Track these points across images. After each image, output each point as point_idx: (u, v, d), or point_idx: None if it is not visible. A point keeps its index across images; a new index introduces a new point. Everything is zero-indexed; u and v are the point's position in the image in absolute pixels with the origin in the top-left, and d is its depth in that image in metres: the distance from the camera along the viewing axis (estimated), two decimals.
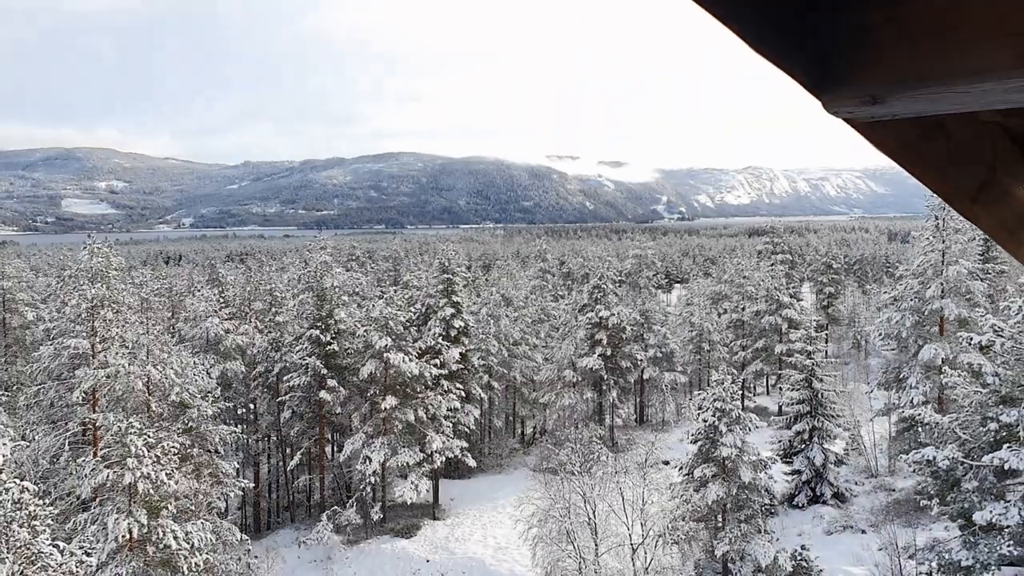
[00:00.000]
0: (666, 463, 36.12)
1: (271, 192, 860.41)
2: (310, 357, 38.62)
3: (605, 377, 48.69)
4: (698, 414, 28.94)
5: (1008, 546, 20.51)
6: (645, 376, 52.95)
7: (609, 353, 48.89)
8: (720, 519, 28.29)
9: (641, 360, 51.38)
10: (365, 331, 38.01)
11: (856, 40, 1.40)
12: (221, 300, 46.89)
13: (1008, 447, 20.65)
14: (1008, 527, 20.07)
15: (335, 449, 42.42)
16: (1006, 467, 20.32)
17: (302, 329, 41.08)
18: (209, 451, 30.74)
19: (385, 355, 36.53)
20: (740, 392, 54.23)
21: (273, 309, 44.38)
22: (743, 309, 61.65)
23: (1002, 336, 22.77)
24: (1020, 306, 22.01)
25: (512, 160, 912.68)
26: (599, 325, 49.14)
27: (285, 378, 39.47)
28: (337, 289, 44.30)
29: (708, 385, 31.01)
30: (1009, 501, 20.58)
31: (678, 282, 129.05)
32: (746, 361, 59.50)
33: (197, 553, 24.12)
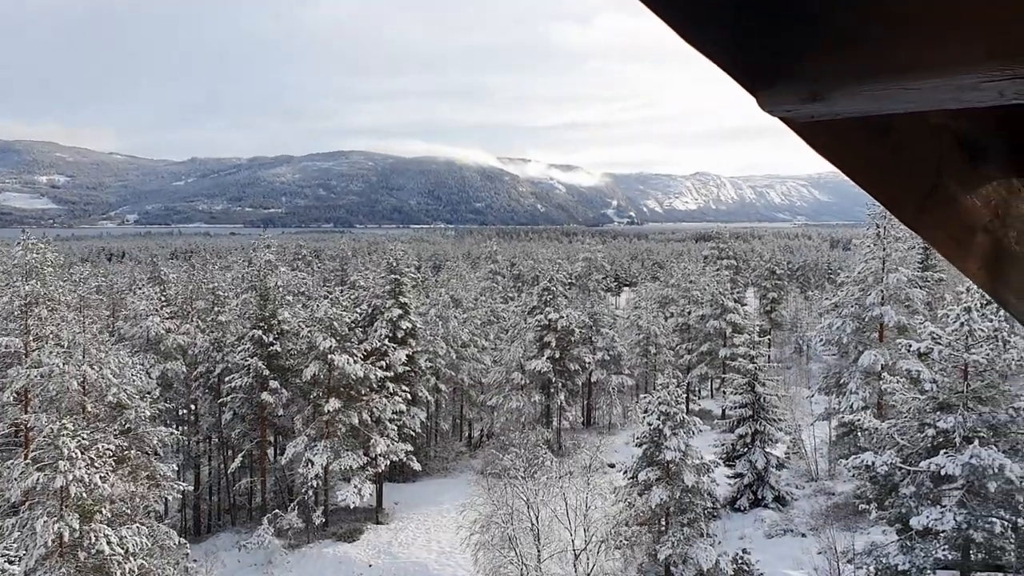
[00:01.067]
0: (612, 466, 36.26)
1: (218, 189, 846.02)
2: (252, 358, 37.93)
3: (553, 380, 48.72)
4: (643, 417, 29.07)
5: (943, 550, 20.96)
6: (593, 379, 53.14)
7: (558, 356, 48.94)
8: (663, 523, 28.45)
9: (589, 363, 51.53)
10: (309, 332, 37.51)
11: (795, 30, 1.27)
12: (162, 298, 45.80)
13: (944, 453, 21.09)
14: (943, 532, 20.50)
15: (277, 452, 41.70)
16: (942, 473, 20.76)
17: (245, 329, 40.35)
18: (147, 453, 29.98)
19: (329, 356, 36.03)
20: (685, 395, 54.72)
21: (216, 308, 43.56)
22: (689, 313, 62.26)
23: (940, 343, 23.26)
24: (958, 314, 22.51)
25: (464, 161, 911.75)
26: (548, 327, 49.16)
27: (227, 379, 38.70)
28: (281, 289, 43.66)
29: (654, 388, 31.19)
30: (945, 506, 21.01)
31: (627, 285, 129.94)
32: (691, 364, 60.09)
33: (132, 558, 23.45)
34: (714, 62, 1.25)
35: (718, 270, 69.23)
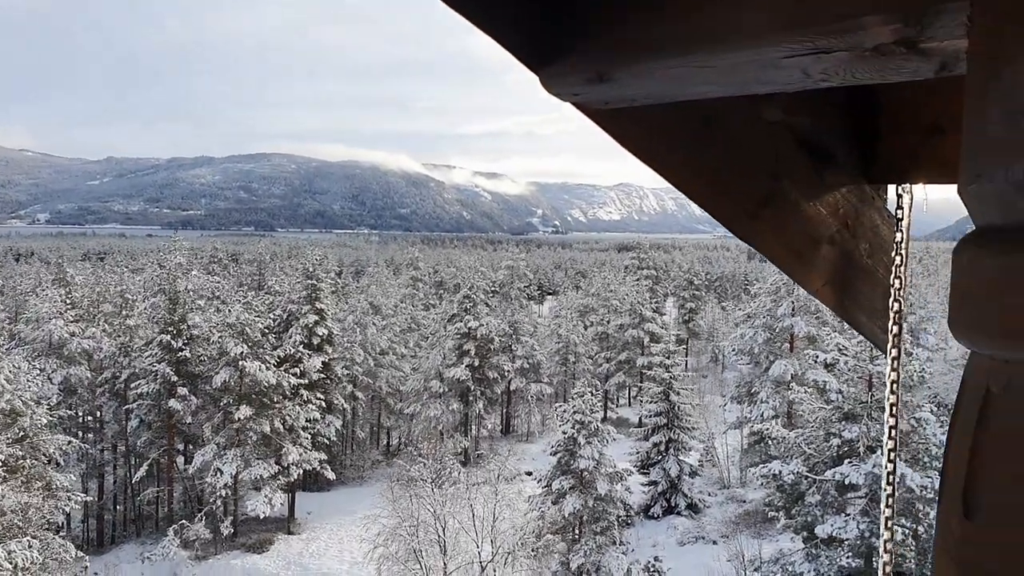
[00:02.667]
0: (529, 474, 36.22)
1: (135, 190, 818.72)
2: (160, 363, 36.76)
3: (472, 388, 48.44)
4: (559, 426, 29.08)
5: (847, 558, 21.43)
6: (512, 387, 53.05)
7: (477, 364, 48.68)
8: (577, 531, 28.48)
9: (508, 371, 51.43)
10: (220, 337, 36.48)
11: (573, 1, 1.07)
12: (67, 301, 43.83)
13: (849, 462, 21.61)
14: (847, 540, 20.96)
15: (186, 460, 40.40)
16: (847, 482, 21.25)
17: (153, 334, 39.03)
18: (43, 462, 28.61)
19: (240, 363, 35.10)
20: (603, 404, 55.18)
21: (124, 312, 41.96)
22: (608, 322, 62.84)
23: (846, 355, 23.88)
24: None
25: (389, 166, 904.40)
26: (468, 335, 48.87)
27: (133, 385, 37.39)
28: (192, 293, 42.38)
29: (571, 397, 31.28)
30: (849, 514, 21.51)
31: (550, 294, 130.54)
32: (610, 373, 60.63)
33: (22, 574, 22.32)
34: (496, 40, 1.05)
35: (638, 280, 70.12)
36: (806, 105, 1.50)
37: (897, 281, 1.68)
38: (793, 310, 38.34)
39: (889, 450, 1.72)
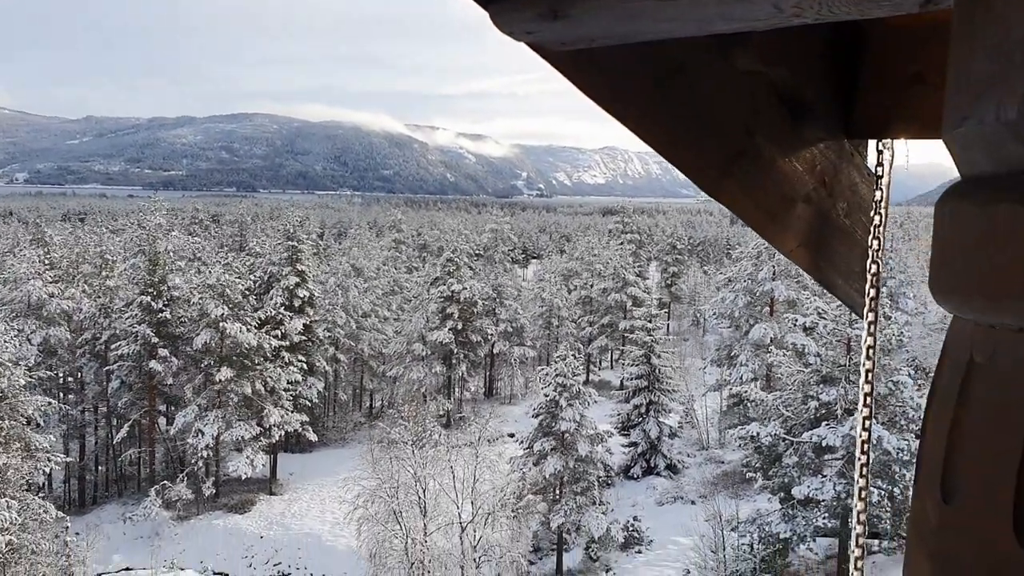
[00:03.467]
0: (511, 435, 36.45)
1: (115, 149, 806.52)
2: (141, 325, 36.59)
3: (455, 351, 48.48)
4: (541, 389, 29.20)
5: (823, 518, 21.75)
6: (495, 350, 53.14)
7: (460, 327, 48.68)
8: (557, 492, 28.73)
9: (492, 334, 51.47)
10: (200, 299, 36.27)
11: None
12: (46, 262, 43.30)
13: (826, 424, 21.84)
14: (824, 500, 21.25)
15: (167, 421, 40.38)
16: (824, 443, 21.49)
17: (133, 295, 38.73)
18: (22, 423, 28.47)
19: (221, 324, 34.94)
20: (585, 367, 55.43)
21: (104, 273, 41.59)
22: (592, 286, 62.92)
23: (825, 318, 24.03)
24: None
25: (371, 127, 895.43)
26: (451, 299, 48.79)
27: (114, 346, 37.22)
28: (172, 253, 41.97)
29: (553, 360, 31.37)
30: (826, 476, 21.78)
31: (535, 258, 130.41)
32: (592, 336, 60.82)
33: (1, 534, 22.32)
34: None
35: (621, 244, 70.06)
36: (782, 54, 1.40)
37: (876, 242, 1.59)
38: (774, 274, 38.47)
39: (864, 417, 1.65)
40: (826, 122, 1.55)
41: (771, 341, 36.45)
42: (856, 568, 1.57)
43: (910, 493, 19.44)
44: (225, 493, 36.44)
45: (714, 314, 44.31)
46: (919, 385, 27.77)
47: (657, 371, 38.34)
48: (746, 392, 29.38)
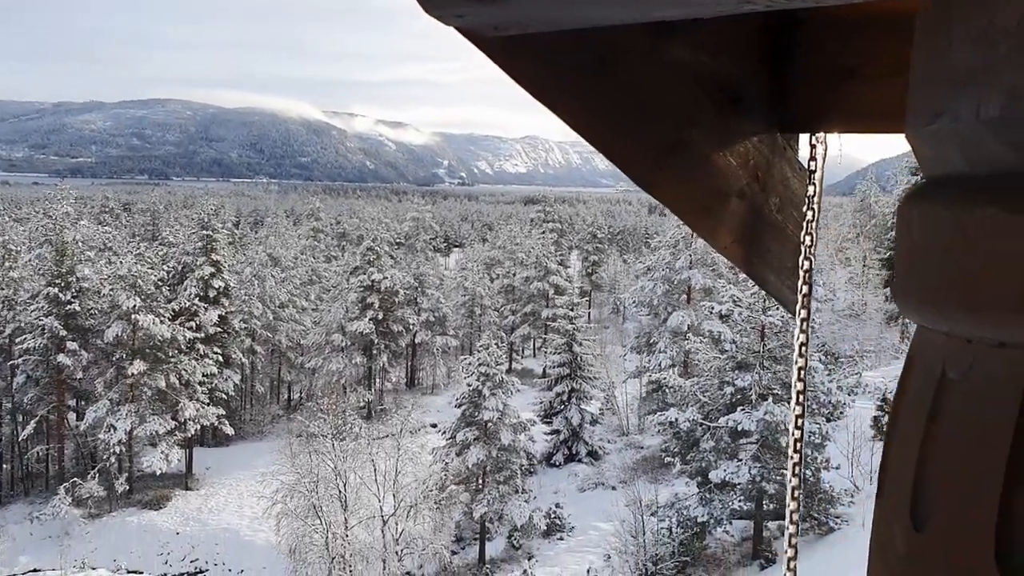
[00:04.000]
0: (434, 426, 36.30)
1: (18, 135, 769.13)
2: (47, 317, 35.24)
3: (376, 341, 48.00)
4: (464, 378, 29.15)
5: (739, 501, 22.30)
6: (417, 340, 52.84)
7: (381, 317, 48.20)
8: (480, 481, 28.77)
9: (414, 324, 51.14)
10: (111, 290, 35.08)
11: None
12: None
13: (741, 409, 22.39)
14: (739, 484, 21.79)
15: (77, 417, 38.97)
16: (739, 428, 22.02)
17: (39, 286, 37.18)
18: None
19: (133, 316, 33.87)
20: (508, 355, 55.61)
21: (7, 263, 39.72)
22: (514, 275, 63.15)
23: (740, 306, 24.58)
24: None
25: (288, 114, 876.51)
26: (371, 288, 48.26)
27: (19, 339, 35.73)
28: (81, 243, 40.43)
29: (476, 349, 31.35)
30: (741, 460, 22.34)
31: (457, 246, 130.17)
32: (515, 325, 61.09)
33: None
34: None
35: (543, 233, 70.47)
36: (720, 44, 1.36)
37: (808, 238, 1.57)
38: (691, 263, 39.26)
39: (796, 416, 1.63)
40: (761, 115, 1.52)
41: (688, 328, 37.21)
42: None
43: (820, 476, 19.93)
44: (139, 489, 35.49)
45: (633, 302, 45.02)
46: (829, 370, 28.73)
47: (579, 359, 38.71)
48: (665, 379, 29.98)
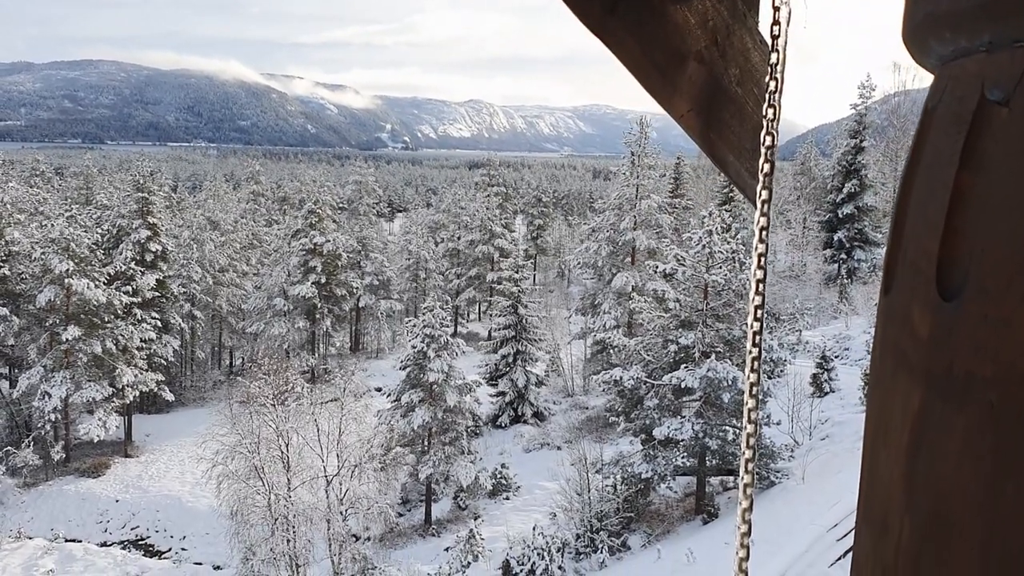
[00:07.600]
0: (379, 390, 36.05)
1: None
2: None
3: (319, 305, 47.41)
4: (409, 341, 28.94)
5: (682, 458, 22.62)
6: (361, 304, 52.37)
7: (323, 281, 47.58)
8: (426, 443, 28.73)
9: (357, 288, 50.63)
10: (43, 254, 33.94)
11: None
12: None
13: (685, 367, 22.62)
14: (683, 440, 22.08)
15: (10, 384, 37.86)
16: (682, 385, 22.26)
17: None
18: None
19: (66, 280, 32.84)
20: (453, 318, 55.48)
21: None
22: (459, 238, 62.85)
23: (684, 265, 24.74)
24: (700, 237, 23.98)
25: (225, 76, 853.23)
26: (313, 252, 47.55)
27: None
28: (10, 206, 39.01)
29: (421, 312, 31.12)
30: (684, 417, 22.61)
31: (401, 211, 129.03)
32: (460, 288, 60.94)
33: None
34: None
35: (488, 197, 70.15)
36: None
37: (771, 111, 1.43)
38: (635, 224, 39.43)
39: (755, 317, 1.49)
40: None
41: (633, 289, 37.48)
42: (745, 496, 1.45)
43: (761, 432, 20.23)
44: (76, 457, 34.78)
45: (578, 264, 45.16)
46: (770, 329, 29.23)
47: (524, 321, 38.77)
48: (609, 339, 30.21)
